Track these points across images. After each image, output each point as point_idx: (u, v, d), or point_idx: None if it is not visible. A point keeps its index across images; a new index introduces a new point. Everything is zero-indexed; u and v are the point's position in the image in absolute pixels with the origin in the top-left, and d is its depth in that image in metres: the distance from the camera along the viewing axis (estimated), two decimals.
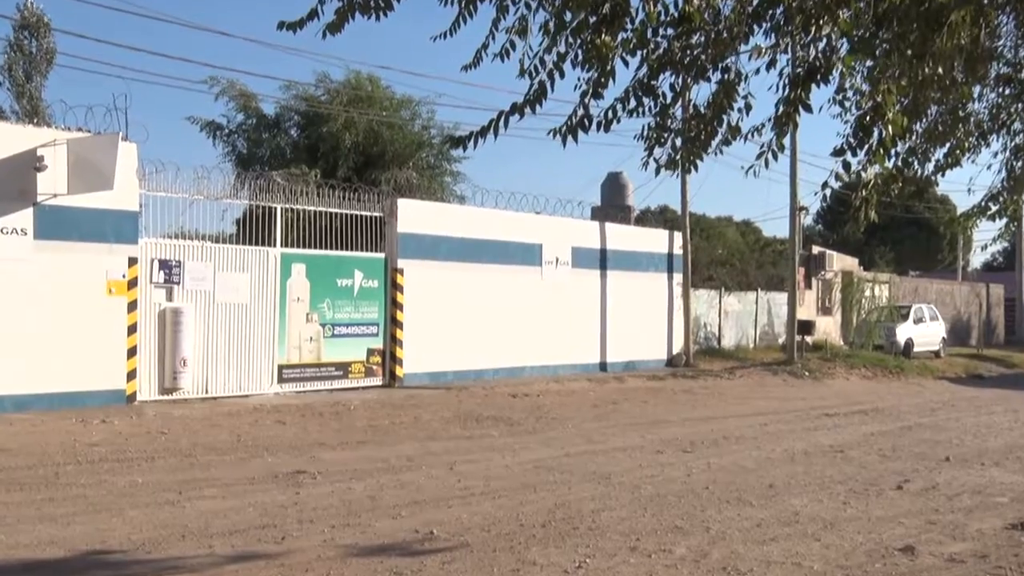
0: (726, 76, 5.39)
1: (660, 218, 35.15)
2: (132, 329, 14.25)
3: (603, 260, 22.76)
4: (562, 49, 4.86)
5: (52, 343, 13.35)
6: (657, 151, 5.58)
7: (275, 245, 16.34)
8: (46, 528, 7.26)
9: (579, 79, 4.94)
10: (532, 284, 20.77)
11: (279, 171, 20.92)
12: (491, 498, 8.68)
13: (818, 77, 5.07)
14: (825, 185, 5.88)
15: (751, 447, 12.25)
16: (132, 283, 14.29)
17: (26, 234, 13.24)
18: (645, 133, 5.49)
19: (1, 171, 12.97)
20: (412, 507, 8.24)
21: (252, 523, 7.53)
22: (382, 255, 18.01)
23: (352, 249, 17.47)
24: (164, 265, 14.81)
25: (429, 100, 27.18)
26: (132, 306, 14.27)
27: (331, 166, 24.26)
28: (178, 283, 14.97)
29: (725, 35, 5.26)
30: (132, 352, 14.23)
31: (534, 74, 4.92)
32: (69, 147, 13.49)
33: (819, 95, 5.28)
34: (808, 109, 5.12)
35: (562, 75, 4.88)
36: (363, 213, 17.69)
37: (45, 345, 13.29)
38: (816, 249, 32.84)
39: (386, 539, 7.15)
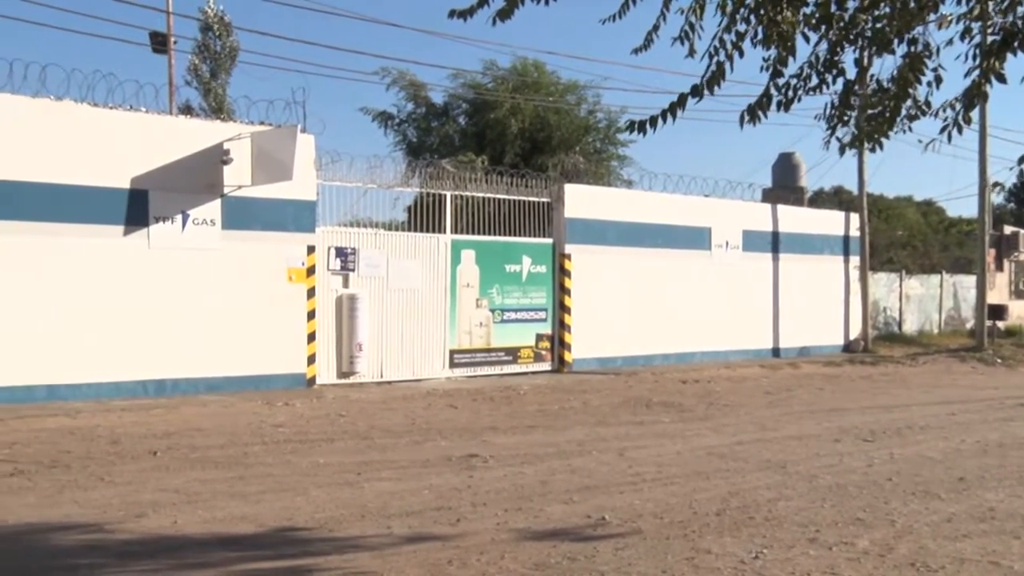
0: (913, 48, 5.11)
1: (834, 199, 33.99)
2: (311, 315, 14.83)
3: (775, 243, 22.15)
4: (741, 28, 4.71)
5: (238, 328, 14.06)
6: (840, 130, 5.35)
7: (445, 232, 16.65)
8: (238, 504, 7.64)
9: (764, 59, 4.77)
10: (701, 268, 20.42)
11: (448, 159, 21.35)
12: (663, 485, 8.58)
13: (1016, 44, 4.73)
14: (1021, 160, 5.51)
15: (938, 437, 11.63)
16: (310, 270, 14.87)
17: (214, 224, 13.97)
18: (827, 112, 5.26)
19: (192, 165, 13.73)
20: (583, 492, 8.23)
21: (428, 505, 7.69)
22: (550, 240, 18.08)
23: (520, 235, 17.62)
24: (340, 252, 15.33)
25: (595, 84, 27.18)
26: (311, 292, 14.85)
27: (498, 152, 24.56)
28: (353, 270, 15.47)
29: (912, 4, 4.98)
30: (312, 337, 14.82)
31: (713, 54, 4.78)
32: (252, 140, 14.14)
33: (1015, 65, 4.95)
34: (1002, 79, 4.80)
35: (741, 54, 4.73)
36: (530, 199, 17.80)
37: (232, 330, 14.01)
38: (1008, 229, 30.99)
39: (558, 524, 7.16)
